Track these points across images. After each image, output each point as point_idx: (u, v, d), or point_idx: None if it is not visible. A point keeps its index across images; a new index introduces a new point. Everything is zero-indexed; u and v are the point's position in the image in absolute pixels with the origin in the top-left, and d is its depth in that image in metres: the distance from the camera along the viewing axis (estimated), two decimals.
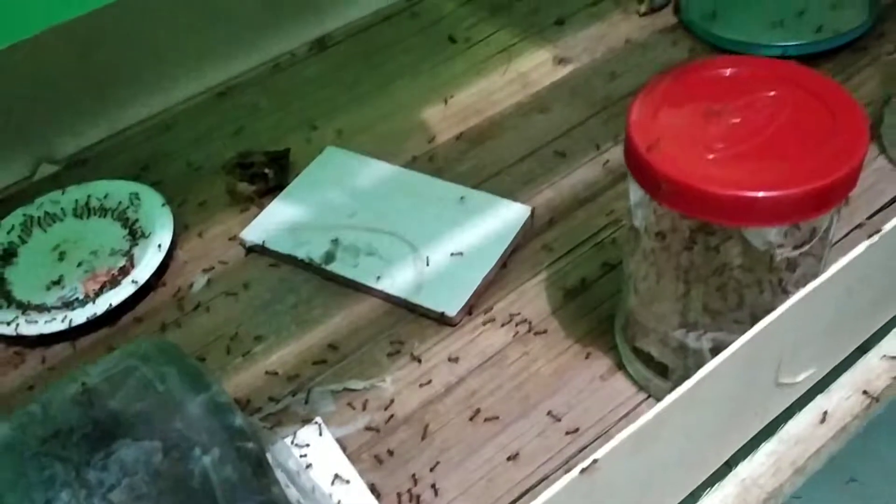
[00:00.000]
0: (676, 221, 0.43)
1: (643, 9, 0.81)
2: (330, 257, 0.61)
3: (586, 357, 0.54)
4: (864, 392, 0.51)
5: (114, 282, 0.60)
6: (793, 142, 0.40)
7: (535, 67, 0.78)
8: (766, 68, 0.44)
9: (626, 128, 0.42)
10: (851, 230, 0.59)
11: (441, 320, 0.57)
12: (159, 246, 0.61)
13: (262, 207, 0.66)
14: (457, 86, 0.77)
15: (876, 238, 0.37)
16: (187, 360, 0.41)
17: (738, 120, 0.41)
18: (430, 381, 0.54)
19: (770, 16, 0.77)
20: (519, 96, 0.75)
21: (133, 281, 0.59)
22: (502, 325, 0.57)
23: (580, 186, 0.66)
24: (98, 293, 0.60)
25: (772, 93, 0.42)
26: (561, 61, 0.78)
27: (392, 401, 0.53)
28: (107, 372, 0.39)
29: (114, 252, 0.63)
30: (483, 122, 0.73)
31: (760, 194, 0.38)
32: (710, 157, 0.40)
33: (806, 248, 0.42)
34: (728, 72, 0.44)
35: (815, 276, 0.41)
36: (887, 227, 0.37)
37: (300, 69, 0.81)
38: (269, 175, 0.67)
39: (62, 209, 0.67)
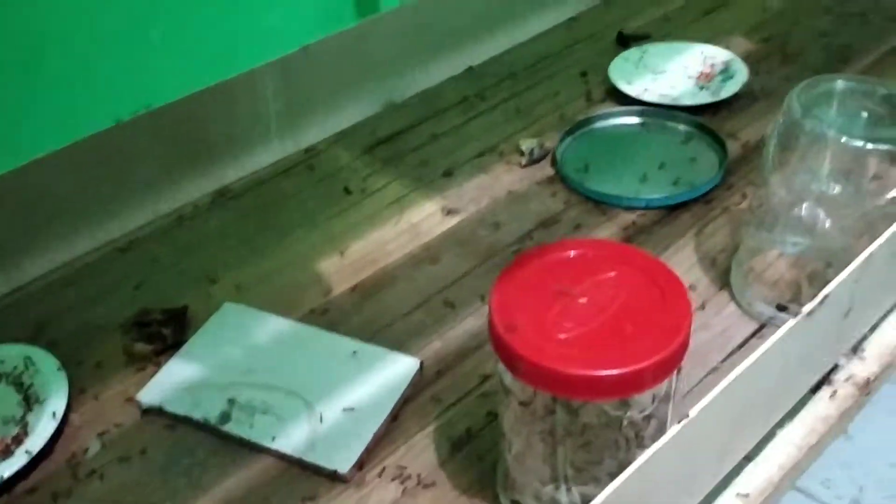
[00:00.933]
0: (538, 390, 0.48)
1: (524, 161, 0.89)
2: (226, 418, 0.63)
3: None
4: None
5: (6, 452, 0.60)
6: (630, 320, 0.46)
7: (426, 218, 0.83)
8: (606, 250, 0.50)
9: (489, 310, 0.47)
10: (707, 374, 0.65)
11: (334, 477, 0.59)
12: (53, 413, 0.62)
13: (159, 367, 0.68)
14: (352, 237, 0.81)
15: (682, 423, 0.42)
16: None
17: (584, 300, 0.47)
18: None
19: (635, 170, 0.85)
20: (410, 247, 0.80)
21: (26, 451, 0.60)
22: (392, 480, 0.59)
23: (466, 337, 0.70)
24: None
25: (612, 273, 0.48)
26: (449, 212, 0.84)
27: None
28: None
29: (7, 420, 0.63)
30: (376, 273, 0.77)
31: (603, 373, 0.43)
32: (561, 336, 0.45)
33: (649, 410, 0.47)
34: (573, 254, 0.50)
35: (664, 430, 0.46)
36: (693, 411, 0.43)
37: (202, 221, 0.85)
38: (166, 334, 0.69)
39: None
